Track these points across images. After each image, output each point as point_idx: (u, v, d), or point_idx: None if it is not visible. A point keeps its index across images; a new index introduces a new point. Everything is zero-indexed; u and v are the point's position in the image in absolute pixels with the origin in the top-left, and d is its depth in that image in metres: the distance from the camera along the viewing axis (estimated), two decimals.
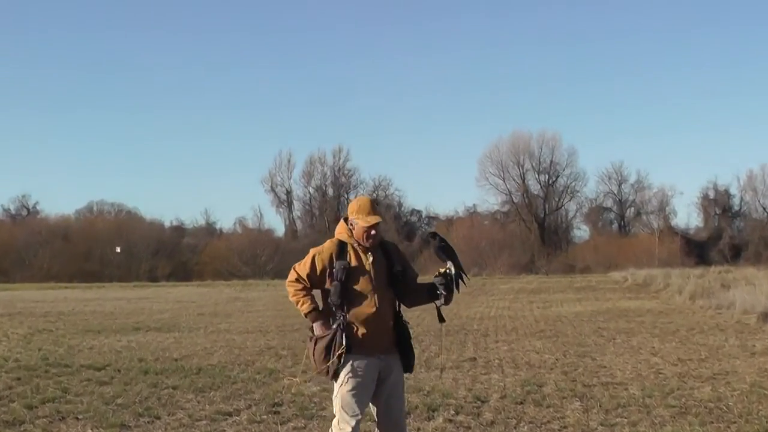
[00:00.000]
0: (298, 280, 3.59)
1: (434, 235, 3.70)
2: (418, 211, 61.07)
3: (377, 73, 71.75)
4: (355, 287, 3.52)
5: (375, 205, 3.65)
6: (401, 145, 73.95)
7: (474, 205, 59.77)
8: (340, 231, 3.65)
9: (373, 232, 3.57)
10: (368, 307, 3.51)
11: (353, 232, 3.60)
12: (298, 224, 60.49)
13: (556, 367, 8.10)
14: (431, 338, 10.71)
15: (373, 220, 3.56)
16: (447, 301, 3.59)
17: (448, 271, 3.58)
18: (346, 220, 3.65)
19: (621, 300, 19.91)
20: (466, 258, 43.41)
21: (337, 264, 3.52)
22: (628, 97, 71.26)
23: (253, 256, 49.25)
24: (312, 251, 3.62)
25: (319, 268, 3.56)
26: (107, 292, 29.39)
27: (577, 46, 70.05)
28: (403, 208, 58.38)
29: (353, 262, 3.55)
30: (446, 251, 3.62)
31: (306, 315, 3.56)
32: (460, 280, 3.61)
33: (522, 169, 56.95)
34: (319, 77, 71.67)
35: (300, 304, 3.57)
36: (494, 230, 53.50)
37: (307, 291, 3.58)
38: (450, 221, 56.15)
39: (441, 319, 3.71)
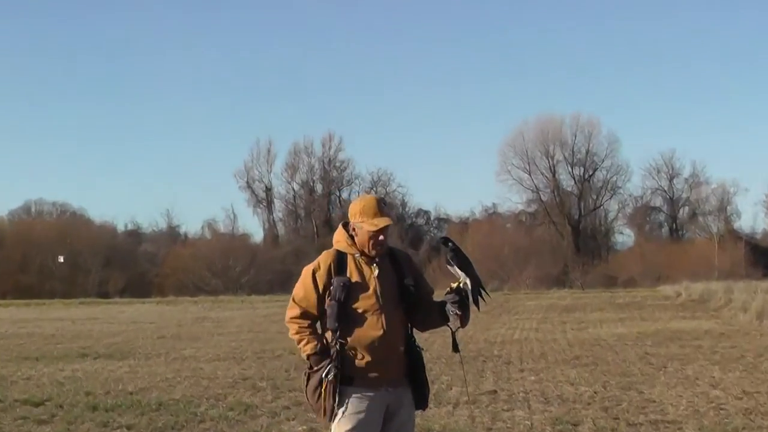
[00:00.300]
0: (304, 315, 3.62)
1: (446, 240, 3.73)
2: (426, 212, 61.28)
3: (375, 50, 72.62)
4: (358, 307, 3.56)
5: (383, 206, 3.69)
6: (404, 133, 74.89)
7: (493, 204, 59.86)
8: (339, 239, 3.70)
9: (381, 237, 3.61)
10: (374, 330, 3.54)
11: (355, 239, 3.65)
12: (280, 228, 60.64)
13: (594, 401, 8.15)
14: (441, 366, 10.77)
15: (382, 222, 3.61)
16: (462, 323, 3.62)
17: (462, 285, 3.61)
18: (345, 226, 3.71)
19: (673, 320, 20.03)
20: (484, 269, 44.01)
21: (335, 280, 3.57)
22: (681, 76, 71.69)
23: (224, 267, 49.49)
24: (307, 269, 3.65)
25: (322, 288, 3.60)
26: (48, 311, 29.42)
27: (615, 17, 70.43)
28: (407, 209, 58.81)
29: (355, 277, 3.60)
30: (460, 261, 3.66)
31: (309, 357, 3.59)
32: (478, 297, 3.64)
33: (552, 161, 57.15)
34: (305, 54, 72.80)
35: (304, 343, 3.59)
36: (518, 235, 53.71)
37: (314, 328, 3.63)
38: (464, 224, 56.35)
39: (455, 348, 3.76)
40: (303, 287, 3.64)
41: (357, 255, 3.64)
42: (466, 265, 3.66)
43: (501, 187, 73.60)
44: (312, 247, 47.52)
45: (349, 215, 3.70)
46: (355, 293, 3.56)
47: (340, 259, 3.64)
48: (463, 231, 51.07)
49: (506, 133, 75.03)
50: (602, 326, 18.39)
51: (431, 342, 12.94)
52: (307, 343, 3.57)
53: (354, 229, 3.66)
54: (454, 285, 3.62)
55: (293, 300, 3.63)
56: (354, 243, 3.65)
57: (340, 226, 3.74)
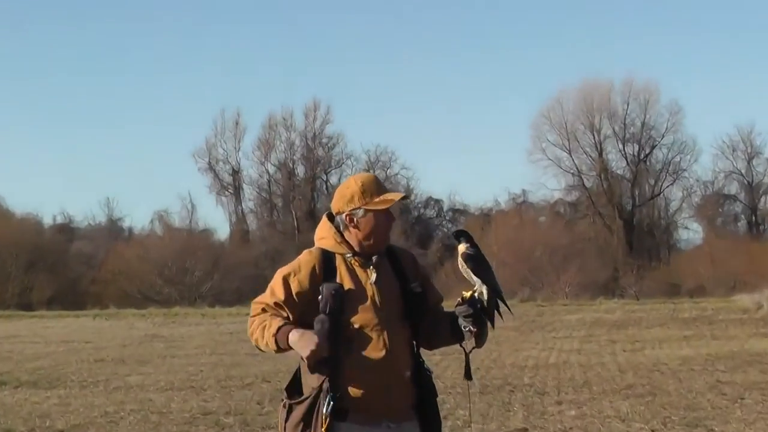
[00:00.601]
0: (265, 309, 3.67)
1: (459, 234, 3.83)
2: (437, 202, 61.36)
3: (373, 7, 72.96)
4: (354, 322, 3.61)
5: (381, 181, 3.77)
6: (411, 103, 75.37)
7: (523, 192, 59.69)
8: (323, 235, 3.76)
9: (392, 222, 3.73)
10: (374, 351, 3.60)
11: (347, 234, 3.72)
12: (251, 221, 61.05)
13: None
14: (458, 397, 10.78)
15: (394, 196, 3.70)
16: (478, 342, 3.69)
17: (477, 295, 3.70)
18: (331, 217, 3.78)
19: (752, 338, 20.15)
20: (512, 273, 44.11)
21: (324, 288, 3.61)
22: (763, 31, 71.47)
23: (180, 272, 49.85)
24: (280, 274, 3.71)
25: (296, 291, 3.65)
26: None
27: None
28: (414, 197, 58.53)
29: (347, 283, 3.65)
30: (475, 263, 3.75)
31: (276, 335, 3.58)
32: (495, 310, 3.72)
33: (598, 136, 57.37)
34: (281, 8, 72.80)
35: (266, 328, 3.61)
36: (555, 230, 53.86)
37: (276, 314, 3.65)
38: (486, 217, 56.47)
39: (467, 375, 3.85)
40: (271, 289, 3.69)
41: (349, 255, 3.70)
42: (482, 269, 3.75)
43: (533, 170, 73.82)
44: (292, 245, 47.62)
45: (335, 205, 3.75)
46: (350, 305, 3.61)
47: (327, 260, 3.69)
48: (485, 225, 51.53)
49: (540, 102, 75.84)
50: (662, 347, 18.64)
51: (444, 367, 12.99)
52: (270, 324, 3.60)
53: (349, 222, 3.71)
54: (467, 294, 3.70)
55: (259, 300, 3.71)
56: (344, 239, 3.71)
57: (324, 219, 3.80)
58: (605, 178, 57.43)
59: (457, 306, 3.68)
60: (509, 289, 43.32)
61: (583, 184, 58.11)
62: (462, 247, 3.76)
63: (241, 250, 54.10)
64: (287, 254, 35.99)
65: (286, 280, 3.65)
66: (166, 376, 14.22)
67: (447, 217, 61.12)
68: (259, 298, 3.72)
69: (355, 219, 3.70)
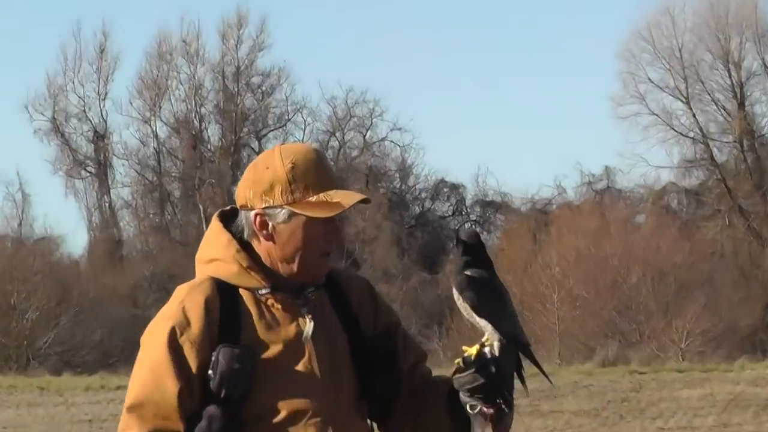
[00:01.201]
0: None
1: (462, 242, 4.00)
2: (456, 188, 61.95)
3: None
4: (274, 408, 3.88)
5: (329, 165, 4.13)
6: (405, 27, 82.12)
7: (606, 171, 60.25)
8: (216, 254, 4.00)
9: (336, 235, 4.02)
10: None
11: (257, 248, 3.98)
12: (126, 222, 63.20)
13: None
14: None
15: (346, 197, 3.96)
16: None
17: (488, 351, 3.93)
18: (227, 218, 4.05)
19: None
20: (585, 315, 47.23)
21: (221, 356, 3.80)
22: None
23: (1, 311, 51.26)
24: (157, 329, 3.91)
25: (195, 367, 3.83)
26: None
27: None
28: (414, 181, 59.93)
29: (264, 335, 3.88)
30: (478, 292, 3.96)
31: None
32: (516, 375, 4.00)
33: (738, 73, 57.47)
34: None
35: None
36: (664, 239, 54.07)
37: None
38: (541, 214, 57.51)
39: None
40: (150, 373, 3.83)
41: (263, 292, 3.90)
42: (490, 303, 3.94)
43: (620, 132, 75.24)
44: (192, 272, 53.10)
45: (241, 194, 3.96)
46: (266, 382, 3.82)
47: (227, 301, 3.89)
48: (538, 229, 53.50)
49: (631, 23, 77.17)
50: None
51: None
52: None
53: (260, 228, 3.92)
54: (472, 350, 3.91)
55: (130, 407, 3.86)
56: (255, 264, 3.93)
57: (216, 222, 4.03)
58: (751, 148, 57.91)
59: (455, 374, 3.86)
60: (582, 342, 47.49)
61: (712, 158, 58.47)
62: (455, 265, 3.96)
63: (107, 274, 54.85)
64: (189, 277, 38.56)
65: (171, 348, 3.83)
66: None
67: (472, 215, 61.72)
68: (136, 389, 3.87)
69: (270, 225, 3.88)
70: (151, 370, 3.82)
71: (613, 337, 46.20)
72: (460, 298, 3.95)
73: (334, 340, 3.94)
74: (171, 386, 3.76)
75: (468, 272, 3.90)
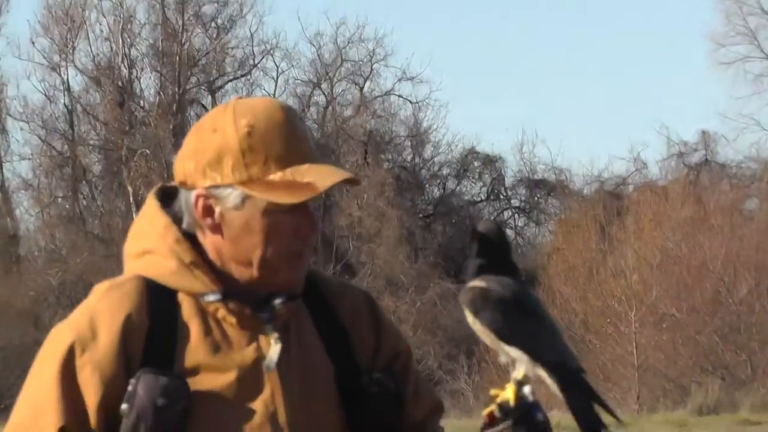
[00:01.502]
0: None
1: (489, 232, 3.66)
2: (492, 161, 59.70)
3: None
4: None
5: (303, 130, 3.64)
6: None
7: (703, 138, 58.69)
8: (150, 246, 3.59)
9: (313, 228, 3.63)
10: None
11: (210, 252, 3.56)
12: (24, 209, 58.28)
13: None
14: None
15: (324, 174, 3.57)
16: None
17: (526, 394, 3.64)
18: (169, 198, 3.65)
19: None
20: (675, 341, 43.62)
21: (140, 387, 3.35)
22: None
23: None
24: (52, 342, 3.50)
25: (95, 400, 3.38)
26: None
27: None
28: (428, 144, 58.45)
29: (208, 360, 3.46)
30: (502, 305, 3.63)
31: None
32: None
33: None
34: None
35: None
36: None
37: None
38: (612, 197, 55.58)
39: None
40: (30, 407, 3.42)
41: (212, 297, 3.45)
42: (522, 320, 3.56)
43: (722, 84, 76.48)
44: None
45: (180, 167, 3.52)
46: (209, 422, 3.43)
47: (160, 308, 3.46)
48: (607, 219, 50.74)
49: None
50: None
51: None
52: None
53: (204, 215, 3.45)
54: (508, 392, 3.56)
55: None
56: (203, 262, 3.49)
57: (152, 201, 3.60)
58: None
59: (486, 428, 3.51)
60: (671, 380, 43.76)
61: None
62: (466, 274, 3.58)
63: None
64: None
65: (62, 380, 3.37)
66: None
67: (514, 200, 59.33)
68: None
69: (217, 211, 3.40)
70: (32, 403, 3.36)
71: (715, 373, 42.15)
72: (477, 321, 3.53)
73: (313, 372, 3.44)
74: (50, 427, 3.25)
75: (482, 283, 3.40)
